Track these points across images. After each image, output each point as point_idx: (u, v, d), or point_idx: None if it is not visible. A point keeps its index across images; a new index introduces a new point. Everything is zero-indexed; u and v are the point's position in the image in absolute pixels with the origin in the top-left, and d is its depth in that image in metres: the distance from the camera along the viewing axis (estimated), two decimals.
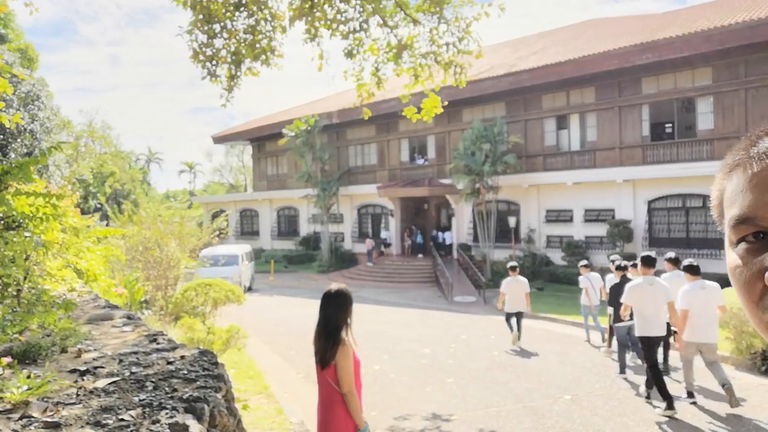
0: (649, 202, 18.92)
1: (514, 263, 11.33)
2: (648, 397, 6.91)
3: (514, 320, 10.79)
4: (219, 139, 38.49)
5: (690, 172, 17.51)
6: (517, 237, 21.92)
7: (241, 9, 9.38)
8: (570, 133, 21.41)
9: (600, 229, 19.42)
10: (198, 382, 2.48)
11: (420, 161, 26.39)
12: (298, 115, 28.51)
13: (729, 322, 9.09)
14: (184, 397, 2.15)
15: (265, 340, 11.89)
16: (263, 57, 10.10)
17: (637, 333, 6.97)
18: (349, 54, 10.22)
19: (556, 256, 20.38)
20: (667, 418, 6.27)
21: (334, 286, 3.90)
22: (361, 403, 3.82)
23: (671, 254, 8.19)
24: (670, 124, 19.29)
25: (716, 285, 6.75)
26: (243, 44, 10.00)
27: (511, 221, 21.09)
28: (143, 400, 2.04)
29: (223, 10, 9.13)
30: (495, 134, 21.00)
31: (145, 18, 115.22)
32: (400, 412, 6.88)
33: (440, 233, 24.97)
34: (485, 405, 7.01)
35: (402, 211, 26.62)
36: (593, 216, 20.02)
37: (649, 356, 6.76)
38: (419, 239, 25.95)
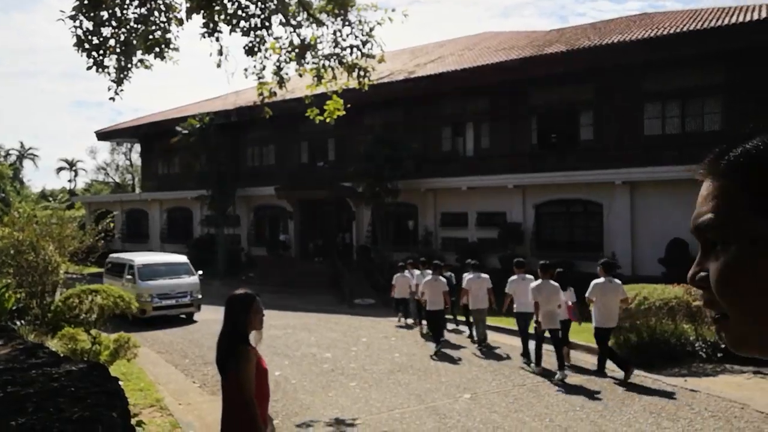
0: (537, 207, 20.05)
1: (520, 259, 9.92)
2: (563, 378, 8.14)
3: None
4: (104, 136, 36.00)
5: (573, 180, 18.76)
6: (414, 239, 22.38)
7: None
8: (465, 140, 22.21)
9: (492, 232, 20.28)
10: (89, 401, 2.24)
11: (320, 164, 26.22)
12: (193, 113, 27.33)
13: None
14: (73, 417, 1.93)
15: (157, 349, 11.22)
16: (157, 50, 9.55)
17: (597, 325, 8.52)
18: (250, 51, 9.93)
19: (451, 258, 21.02)
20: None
21: (239, 290, 3.74)
22: (267, 412, 3.68)
23: (605, 260, 9.56)
24: (556, 134, 20.58)
25: (620, 282, 8.61)
26: (134, 35, 9.40)
27: (410, 224, 21.47)
28: (23, 424, 1.79)
29: None
30: (395, 139, 21.33)
31: (16, 2, 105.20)
32: (303, 418, 6.74)
33: (341, 235, 25.00)
34: (389, 407, 7.05)
35: (301, 214, 26.29)
36: (486, 219, 20.87)
37: (603, 342, 8.52)
38: (319, 243, 25.79)
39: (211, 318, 12.97)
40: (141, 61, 9.57)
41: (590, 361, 9.06)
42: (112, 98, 9.47)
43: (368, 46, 9.90)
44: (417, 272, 12.84)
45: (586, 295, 8.68)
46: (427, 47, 29.13)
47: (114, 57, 9.16)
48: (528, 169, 19.80)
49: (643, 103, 18.01)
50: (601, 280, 8.55)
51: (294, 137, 26.48)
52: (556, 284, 8.78)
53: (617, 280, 8.65)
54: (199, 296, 15.29)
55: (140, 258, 16.19)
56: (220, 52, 9.73)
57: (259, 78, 10.22)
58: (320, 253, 25.40)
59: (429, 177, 21.72)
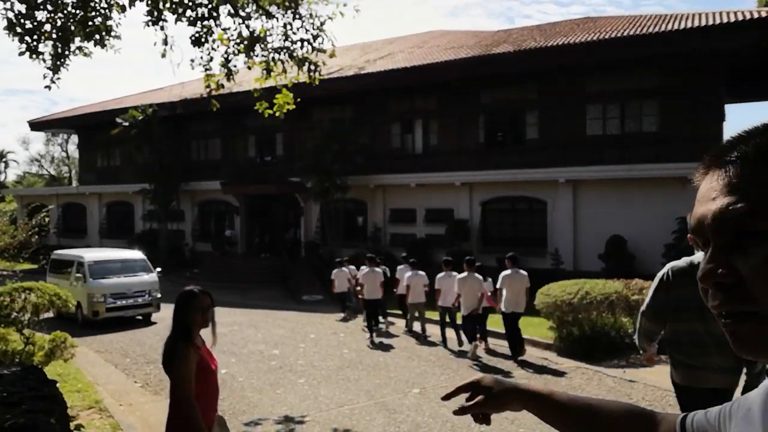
0: (484, 204, 20.43)
1: (512, 254, 10.12)
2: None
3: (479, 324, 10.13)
4: (38, 125, 34.25)
5: (518, 177, 19.21)
6: (364, 236, 22.38)
7: None
8: (414, 137, 22.36)
9: (440, 228, 20.52)
10: (23, 406, 2.12)
11: (267, 158, 25.84)
12: (135, 104, 26.38)
13: (553, 313, 10.12)
14: (6, 426, 1.81)
15: (95, 348, 10.79)
16: (97, 37, 9.15)
17: (505, 310, 9.50)
18: (197, 42, 9.63)
19: (400, 254, 21.15)
20: None
21: (188, 287, 3.63)
22: (215, 412, 3.59)
23: (512, 254, 10.16)
24: (503, 133, 21.00)
25: (525, 273, 9.66)
26: (72, 20, 8.97)
27: (359, 220, 21.44)
28: None
29: None
30: (344, 134, 21.26)
31: None
32: (251, 416, 6.63)
33: (294, 230, 24.77)
34: (338, 404, 7.02)
35: (248, 209, 25.85)
36: (434, 216, 21.11)
37: (512, 325, 9.54)
38: (266, 239, 25.45)
39: (168, 316, 12.60)
40: (79, 48, 9.14)
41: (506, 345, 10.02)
42: (48, 86, 9.02)
43: (319, 40, 9.80)
44: (365, 268, 12.94)
45: (497, 285, 9.80)
46: (376, 44, 29.13)
47: (50, 43, 8.72)
48: (475, 167, 20.13)
49: (586, 104, 18.60)
50: (509, 271, 9.60)
51: (241, 131, 25.99)
52: (479, 276, 9.81)
53: (523, 272, 9.71)
54: (158, 295, 14.21)
55: (90, 254, 14.85)
56: (165, 42, 9.41)
57: (207, 70, 9.94)
58: (267, 249, 25.06)
59: (378, 173, 21.75)
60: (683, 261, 3.77)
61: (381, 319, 12.37)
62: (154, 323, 13.79)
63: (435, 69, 20.09)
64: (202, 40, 9.58)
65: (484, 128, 20.79)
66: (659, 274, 3.84)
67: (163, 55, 9.57)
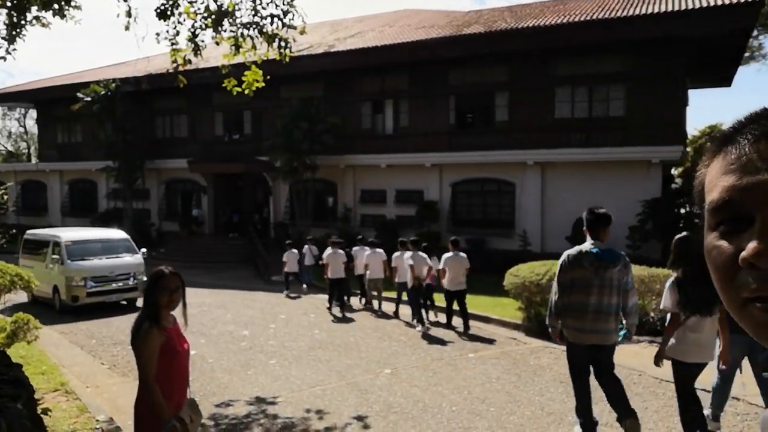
0: (453, 185, 20.54)
1: (455, 238, 11.08)
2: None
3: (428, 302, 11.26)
4: None
5: (488, 159, 19.34)
6: (334, 216, 22.31)
7: None
8: (385, 117, 22.24)
9: (410, 210, 20.58)
10: None
11: (235, 136, 25.40)
12: (97, 78, 25.52)
13: (521, 294, 10.29)
14: None
15: (59, 330, 10.54)
16: (56, 6, 8.79)
17: (448, 288, 10.45)
18: (163, 15, 9.31)
19: (370, 235, 21.15)
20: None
21: (159, 267, 3.57)
22: (184, 395, 3.54)
23: (454, 238, 11.19)
24: (473, 115, 21.06)
25: (465, 255, 10.58)
26: None
27: (329, 201, 21.33)
28: None
29: None
30: (313, 113, 21.01)
31: None
32: (222, 398, 6.59)
33: (265, 210, 24.56)
34: (310, 384, 7.03)
35: (215, 188, 25.44)
36: (404, 197, 21.14)
37: (460, 302, 10.42)
38: (235, 218, 25.13)
39: None
40: (37, 18, 8.78)
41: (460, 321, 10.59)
42: (3, 57, 8.65)
43: (289, 16, 9.59)
44: (329, 250, 13.42)
45: (440, 266, 10.65)
46: (346, 22, 28.74)
47: (4, 12, 8.34)
48: (445, 148, 20.17)
49: (555, 87, 18.75)
50: (451, 253, 10.51)
51: (208, 108, 25.43)
52: (424, 255, 10.86)
53: (463, 254, 10.59)
54: (144, 278, 12.74)
55: (68, 234, 13.71)
56: (129, 14, 9.09)
57: (173, 44, 9.64)
58: (236, 228, 24.77)
59: (348, 153, 21.62)
60: (574, 250, 4.85)
61: (346, 299, 13.11)
62: (140, 309, 13.45)
63: (406, 48, 19.94)
64: (168, 13, 9.27)
65: (455, 109, 20.80)
66: (560, 260, 4.91)
67: (127, 28, 9.24)
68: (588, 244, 4.83)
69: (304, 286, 15.65)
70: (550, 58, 18.50)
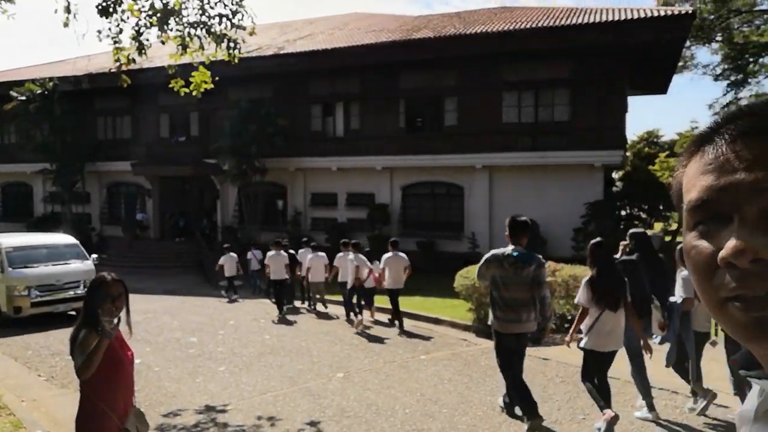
0: (404, 188, 20.67)
1: (395, 239, 11.62)
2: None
3: (357, 300, 11.49)
4: None
5: (437, 163, 19.58)
6: (284, 219, 22.06)
7: None
8: (335, 120, 22.17)
9: (361, 213, 20.58)
10: None
11: (181, 138, 24.75)
12: (33, 76, 24.39)
13: (471, 295, 10.43)
14: None
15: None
16: None
17: (388, 287, 10.90)
18: (104, 12, 8.98)
19: (321, 238, 21.03)
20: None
21: (101, 273, 3.44)
22: (129, 405, 3.43)
23: (394, 239, 11.72)
24: (422, 119, 21.26)
25: (405, 255, 11.01)
26: None
27: (279, 204, 21.08)
28: None
29: None
30: (263, 115, 20.73)
31: None
32: (170, 407, 6.39)
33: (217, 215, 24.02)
34: (261, 391, 6.90)
35: (161, 192, 24.73)
36: (355, 200, 21.13)
37: (394, 300, 10.90)
38: (182, 222, 24.49)
39: None
40: None
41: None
42: None
43: (238, 16, 9.43)
44: (272, 252, 13.64)
45: (380, 266, 11.09)
46: (296, 23, 28.54)
47: None
48: (396, 152, 20.28)
49: (502, 92, 19.15)
50: (391, 254, 10.95)
51: (153, 109, 24.70)
52: (364, 258, 11.23)
53: (402, 254, 11.00)
54: None
55: (9, 240, 12.55)
56: (68, 10, 8.72)
57: (116, 42, 9.31)
58: (182, 233, 24.14)
59: (298, 156, 21.45)
60: (497, 251, 5.59)
61: (286, 301, 13.29)
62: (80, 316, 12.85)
63: (356, 52, 19.94)
64: (110, 9, 8.95)
65: (405, 113, 20.94)
66: (483, 260, 5.62)
67: (66, 25, 8.86)
68: (509, 248, 5.52)
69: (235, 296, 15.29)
70: (498, 64, 18.89)
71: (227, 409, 6.30)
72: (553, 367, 7.73)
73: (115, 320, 3.36)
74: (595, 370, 5.46)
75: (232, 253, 15.46)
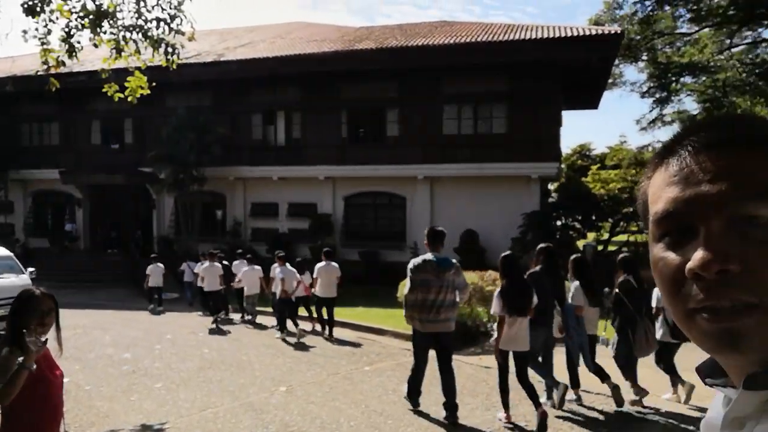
0: (346, 199, 20.63)
1: (327, 249, 11.98)
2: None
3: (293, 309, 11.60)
4: None
5: (379, 173, 19.68)
6: (223, 230, 21.56)
7: None
8: (277, 129, 21.92)
9: (303, 223, 20.38)
10: None
11: (115, 146, 23.81)
12: None
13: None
14: None
15: None
16: None
17: (320, 295, 11.15)
18: (31, 11, 8.55)
19: (262, 249, 20.66)
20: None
21: (29, 288, 3.23)
22: (56, 427, 3.23)
23: (327, 249, 12.04)
24: (364, 129, 21.33)
25: (336, 265, 11.31)
26: None
27: (218, 214, 20.58)
28: None
29: None
30: (202, 123, 20.24)
31: None
32: (102, 428, 6.06)
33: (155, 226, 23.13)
34: (200, 407, 6.66)
35: (92, 201, 23.67)
36: (297, 210, 20.91)
37: (328, 309, 11.13)
38: (114, 233, 23.49)
39: None
40: None
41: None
42: None
43: (177, 21, 9.18)
44: (205, 263, 13.62)
45: (314, 275, 11.28)
46: (236, 31, 28.09)
47: None
48: (338, 162, 20.24)
49: (443, 104, 19.50)
50: (324, 263, 11.21)
51: (84, 115, 23.66)
52: (293, 269, 11.46)
53: (334, 263, 11.31)
54: None
55: None
56: None
57: (43, 44, 8.86)
58: (115, 244, 23.15)
59: (238, 165, 21.05)
60: (419, 258, 6.10)
61: (224, 313, 13.27)
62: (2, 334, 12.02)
63: (298, 61, 19.83)
64: (38, 9, 8.52)
65: (347, 123, 20.96)
66: (410, 265, 6.09)
67: None
68: (429, 255, 6.08)
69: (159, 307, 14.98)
70: (439, 77, 19.22)
71: (164, 428, 6.04)
72: (495, 376, 7.84)
73: (43, 338, 3.15)
74: (508, 371, 6.00)
75: (159, 264, 15.23)
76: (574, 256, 7.02)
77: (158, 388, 7.53)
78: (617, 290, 6.47)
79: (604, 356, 6.83)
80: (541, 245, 6.95)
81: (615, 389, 6.32)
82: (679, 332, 6.22)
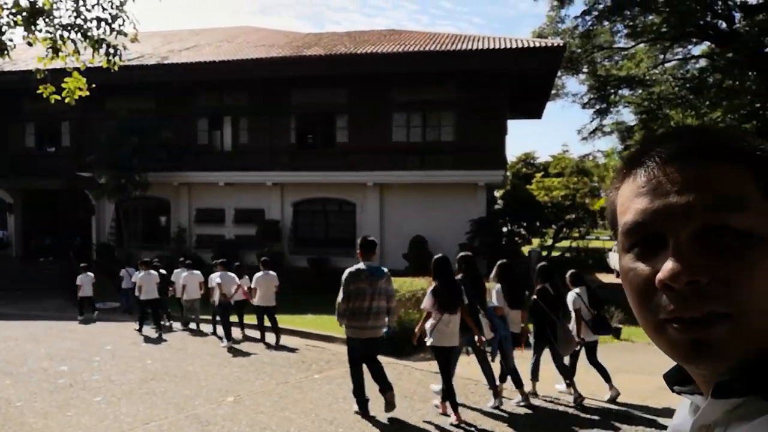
0: (295, 205, 20.43)
1: (265, 258, 11.98)
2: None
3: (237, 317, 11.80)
4: None
5: (329, 180, 19.60)
6: (167, 237, 20.95)
7: None
8: (223, 134, 21.51)
9: (251, 229, 20.05)
10: None
11: (51, 149, 22.78)
12: None
13: None
14: None
15: None
16: None
17: (258, 304, 11.14)
18: None
19: (207, 256, 20.16)
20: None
21: None
22: None
23: (264, 258, 12.01)
24: (313, 135, 21.21)
25: (275, 274, 11.33)
26: None
27: (161, 220, 19.97)
28: None
29: None
30: (145, 127, 19.63)
31: None
32: None
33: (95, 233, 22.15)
34: (143, 421, 6.41)
35: (25, 207, 22.55)
36: (244, 216, 20.54)
37: (261, 317, 11.20)
38: (48, 240, 22.42)
39: None
40: None
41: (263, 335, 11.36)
42: None
43: (119, 21, 8.87)
44: (142, 271, 13.17)
45: (251, 285, 11.39)
46: (181, 33, 27.45)
47: None
48: (287, 168, 20.04)
49: (392, 112, 19.62)
50: (261, 272, 11.24)
51: (17, 117, 22.54)
52: (233, 274, 11.59)
53: (272, 273, 11.30)
54: None
55: None
56: None
57: None
58: (50, 251, 22.11)
59: (183, 170, 20.51)
60: (354, 268, 6.26)
61: (165, 321, 13.25)
62: None
63: (245, 65, 19.57)
64: None
65: (296, 129, 20.79)
66: (344, 275, 6.25)
67: None
68: (362, 264, 6.30)
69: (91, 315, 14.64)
70: (388, 84, 19.35)
71: None
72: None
73: None
74: (442, 367, 6.27)
75: (89, 273, 14.77)
76: (500, 262, 7.59)
77: (98, 402, 7.21)
78: (535, 296, 7.11)
79: (523, 358, 7.02)
80: (461, 254, 7.37)
81: (526, 396, 6.80)
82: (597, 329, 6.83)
